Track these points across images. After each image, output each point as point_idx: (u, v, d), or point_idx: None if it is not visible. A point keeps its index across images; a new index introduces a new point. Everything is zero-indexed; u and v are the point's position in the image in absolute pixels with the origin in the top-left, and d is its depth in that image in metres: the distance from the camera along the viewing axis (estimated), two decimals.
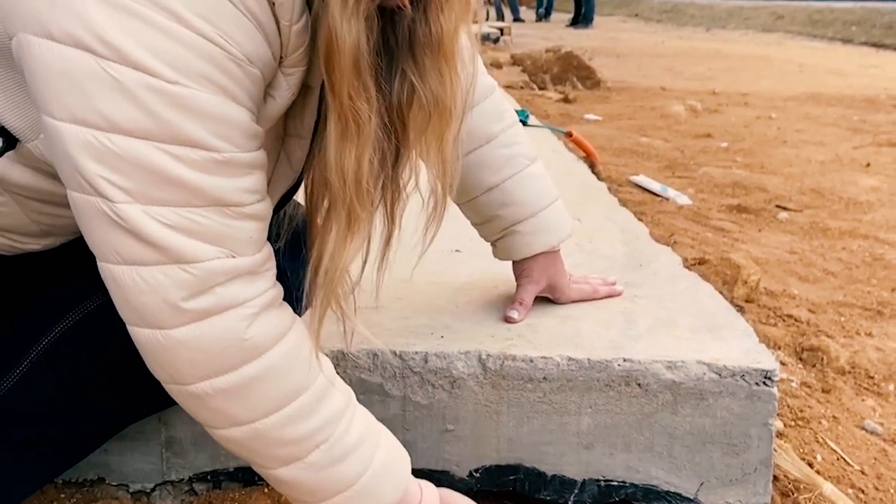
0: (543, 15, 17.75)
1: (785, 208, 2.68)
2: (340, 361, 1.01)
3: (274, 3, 0.69)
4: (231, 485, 1.08)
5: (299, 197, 0.89)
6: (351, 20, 0.69)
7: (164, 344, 0.72)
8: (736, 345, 1.03)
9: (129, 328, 0.74)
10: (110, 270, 0.71)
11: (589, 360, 1.00)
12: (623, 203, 1.84)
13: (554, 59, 6.11)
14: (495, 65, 7.25)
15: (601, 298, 1.18)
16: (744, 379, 0.98)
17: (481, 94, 1.07)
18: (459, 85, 0.83)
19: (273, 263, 0.79)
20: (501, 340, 1.04)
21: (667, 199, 2.64)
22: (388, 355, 1.01)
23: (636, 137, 3.74)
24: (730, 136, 3.90)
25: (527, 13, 18.50)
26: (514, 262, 1.15)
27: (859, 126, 4.50)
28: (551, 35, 12.69)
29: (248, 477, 1.07)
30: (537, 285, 1.13)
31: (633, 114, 4.57)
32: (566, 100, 5.03)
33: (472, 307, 1.16)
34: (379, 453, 0.84)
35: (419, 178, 0.89)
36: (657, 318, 1.11)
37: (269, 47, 0.71)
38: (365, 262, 0.85)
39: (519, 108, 2.71)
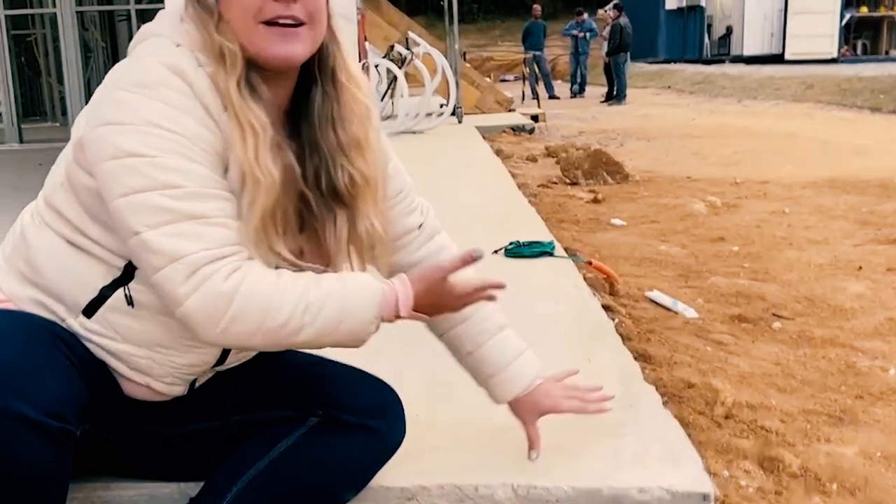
0: (578, 91, 18.33)
1: (780, 316, 3.14)
2: (418, 493, 1.52)
3: (208, 108, 1.23)
4: None
5: None
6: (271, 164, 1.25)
7: (187, 313, 1.18)
8: (687, 472, 1.52)
9: (174, 310, 1.19)
10: (153, 279, 1.20)
11: (587, 488, 1.49)
12: (628, 336, 2.33)
13: (585, 157, 6.67)
14: (531, 159, 7.83)
15: (592, 413, 1.63)
16: (689, 499, 1.47)
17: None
18: (376, 161, 1.40)
19: (241, 252, 1.21)
20: (528, 473, 1.54)
21: (676, 314, 3.13)
22: (451, 487, 1.52)
23: (656, 245, 4.24)
24: (741, 238, 4.37)
25: (561, 88, 19.01)
26: (508, 404, 1.60)
27: (867, 218, 4.93)
28: (585, 114, 13.28)
29: None
30: (532, 425, 1.59)
31: (656, 214, 5.08)
32: (595, 200, 5.56)
33: (506, 447, 1.66)
34: (347, 290, 1.25)
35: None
36: (635, 450, 1.60)
37: (210, 134, 1.22)
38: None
39: (550, 238, 3.25)
